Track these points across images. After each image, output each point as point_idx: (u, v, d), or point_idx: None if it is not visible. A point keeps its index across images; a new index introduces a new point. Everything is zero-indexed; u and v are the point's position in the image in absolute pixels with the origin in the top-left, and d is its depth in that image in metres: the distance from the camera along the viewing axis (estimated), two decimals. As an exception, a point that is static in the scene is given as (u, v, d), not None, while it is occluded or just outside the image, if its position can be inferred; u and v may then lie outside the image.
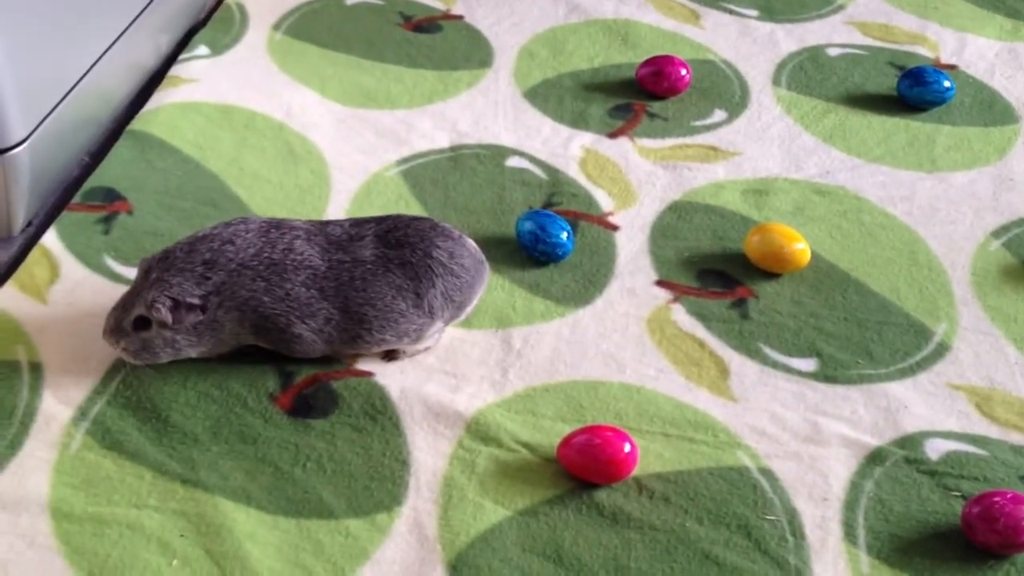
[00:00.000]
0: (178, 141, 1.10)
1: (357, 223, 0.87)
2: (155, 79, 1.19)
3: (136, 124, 1.11)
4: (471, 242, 0.90)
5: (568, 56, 1.27)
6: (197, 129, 1.11)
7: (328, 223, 0.87)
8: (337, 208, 1.04)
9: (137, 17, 1.12)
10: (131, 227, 1.00)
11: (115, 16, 1.08)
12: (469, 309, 0.90)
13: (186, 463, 0.80)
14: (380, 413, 0.84)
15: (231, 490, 0.78)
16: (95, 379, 0.85)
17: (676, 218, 1.05)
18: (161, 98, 1.15)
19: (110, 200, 1.02)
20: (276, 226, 0.85)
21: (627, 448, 0.80)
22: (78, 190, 1.03)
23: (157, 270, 0.82)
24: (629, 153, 1.13)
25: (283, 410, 0.84)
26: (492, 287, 0.96)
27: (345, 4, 1.33)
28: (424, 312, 0.85)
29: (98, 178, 1.04)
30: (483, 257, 0.90)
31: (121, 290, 0.93)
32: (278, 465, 0.80)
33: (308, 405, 0.84)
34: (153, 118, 1.12)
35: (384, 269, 0.84)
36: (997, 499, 0.76)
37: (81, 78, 1.01)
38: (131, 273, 0.95)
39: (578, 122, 1.17)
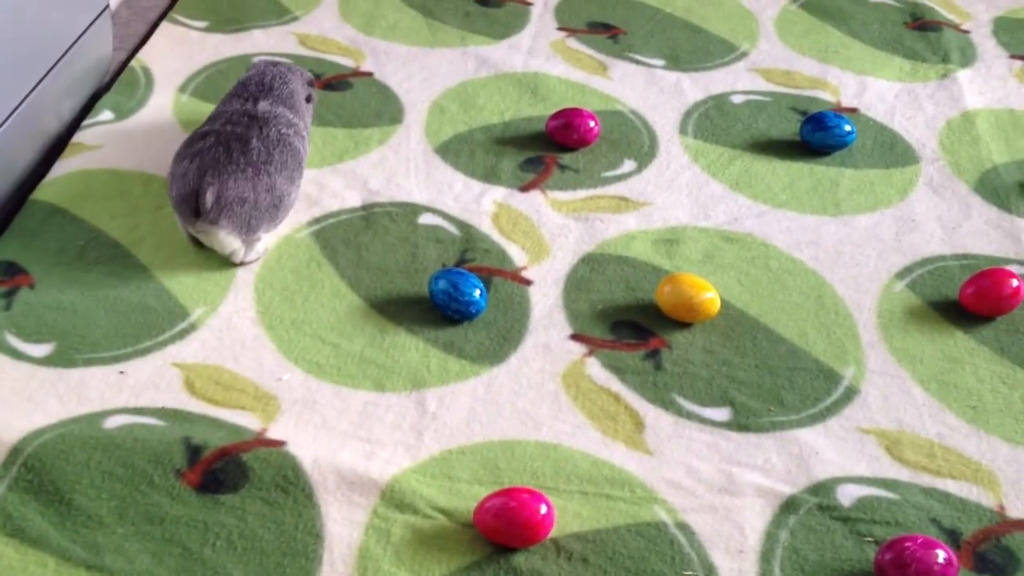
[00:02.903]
0: (81, 210, 1.07)
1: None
2: (58, 145, 1.17)
3: (38, 194, 1.09)
4: None
5: (479, 110, 1.27)
6: (100, 196, 1.09)
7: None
8: (248, 272, 1.02)
9: (38, 83, 1.10)
10: (33, 301, 0.97)
11: (15, 83, 1.06)
12: None
13: (90, 548, 0.77)
14: (292, 485, 0.83)
15: (137, 575, 0.76)
16: (-6, 463, 0.82)
17: (589, 270, 1.06)
18: (64, 166, 1.13)
19: (11, 274, 1.00)
20: None
21: (543, 510, 0.79)
22: (-24, 265, 1.01)
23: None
24: (541, 206, 1.13)
25: (191, 486, 0.82)
26: (406, 347, 0.96)
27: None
28: None
29: (-2, 251, 1.02)
30: None
31: (25, 368, 0.90)
32: (187, 545, 0.78)
33: (217, 480, 0.82)
34: (55, 187, 1.10)
35: None
36: (908, 544, 0.77)
37: (-23, 150, 0.99)
38: (34, 350, 0.92)
39: (490, 176, 1.17)
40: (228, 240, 1.01)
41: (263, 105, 1.08)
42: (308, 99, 1.15)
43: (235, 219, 1.00)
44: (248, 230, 1.01)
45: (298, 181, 1.07)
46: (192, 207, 1.00)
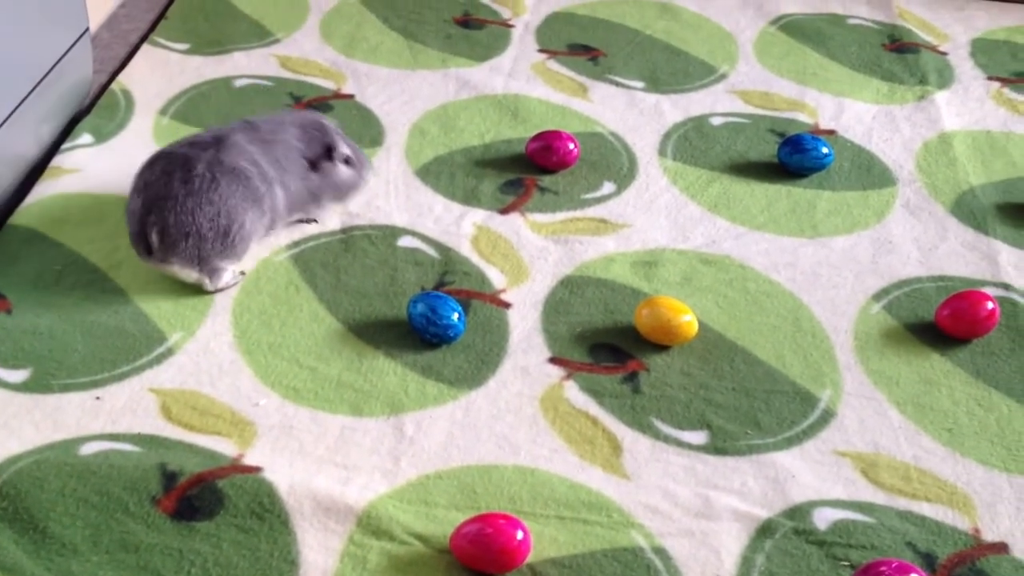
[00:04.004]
0: (59, 234, 1.07)
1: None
2: (37, 169, 1.17)
3: (16, 218, 1.09)
4: None
5: (459, 132, 1.28)
6: (79, 221, 1.09)
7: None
8: (226, 297, 1.02)
9: (18, 107, 1.10)
10: (10, 327, 0.97)
11: (-7, 107, 1.06)
12: None
13: (64, 576, 0.77)
14: (268, 511, 0.82)
15: (111, 603, 0.76)
16: (-32, 491, 0.82)
17: (568, 293, 1.06)
18: (42, 190, 1.13)
19: (-13, 299, 0.99)
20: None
21: (520, 536, 0.79)
22: (-47, 289, 1.00)
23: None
24: (521, 228, 1.14)
25: (166, 514, 0.82)
26: (384, 371, 0.96)
27: (234, 86, 1.33)
28: None
29: (-25, 276, 1.02)
30: None
31: (1, 394, 0.90)
32: (161, 574, 0.78)
33: (192, 507, 0.82)
34: (33, 211, 1.09)
35: None
36: (883, 569, 0.78)
37: (-46, 175, 0.99)
38: (10, 376, 0.92)
39: (470, 199, 1.17)
40: (185, 273, 1.01)
41: (239, 137, 1.04)
42: (314, 165, 1.07)
43: (183, 254, 0.99)
44: (200, 262, 1.00)
45: (254, 210, 1.02)
46: (143, 246, 1.00)
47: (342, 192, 1.11)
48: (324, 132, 1.09)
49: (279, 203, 1.05)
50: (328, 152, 1.08)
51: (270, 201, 1.04)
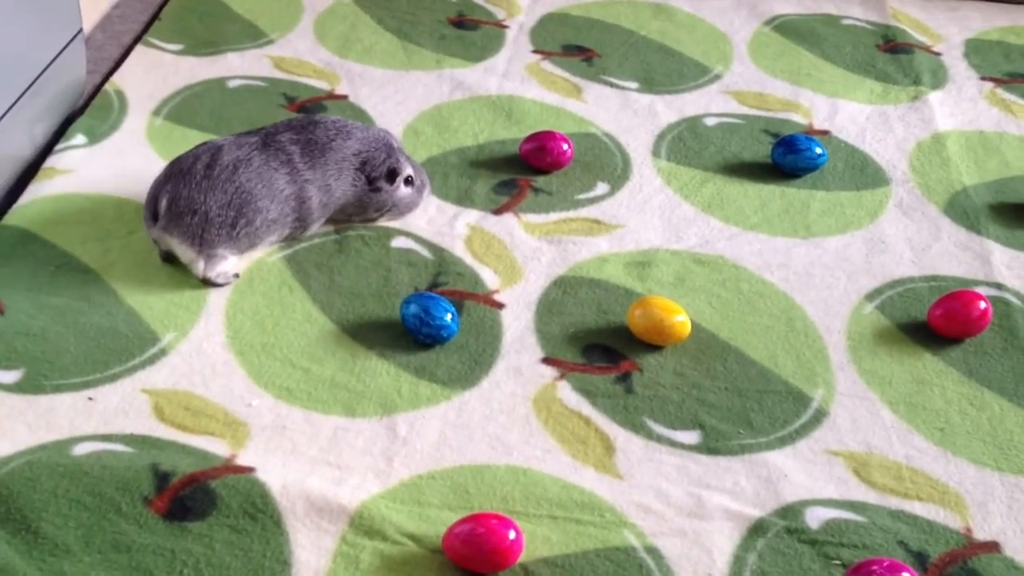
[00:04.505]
0: (52, 235, 1.07)
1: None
2: (31, 170, 1.17)
3: (9, 219, 1.09)
4: None
5: (453, 133, 1.28)
6: (72, 221, 1.09)
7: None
8: (219, 297, 1.02)
9: (11, 107, 1.10)
10: (3, 327, 0.97)
11: (-14, 108, 1.06)
12: None
13: (56, 577, 0.77)
14: (261, 512, 0.82)
15: (103, 604, 0.76)
16: (-40, 492, 0.82)
17: (561, 293, 1.06)
18: (36, 190, 1.13)
19: (-20, 300, 0.99)
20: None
21: (512, 535, 0.79)
22: (-54, 290, 1.00)
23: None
24: (514, 229, 1.14)
25: (158, 514, 0.81)
26: (377, 372, 0.96)
27: (228, 87, 1.33)
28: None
29: (-33, 277, 1.02)
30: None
31: (-9, 394, 0.90)
32: (153, 574, 0.77)
33: (185, 507, 0.82)
34: (27, 212, 1.09)
35: None
36: (875, 568, 0.78)
37: (-53, 176, 0.99)
38: (3, 377, 0.92)
39: (464, 199, 1.17)
40: (182, 250, 1.02)
41: (285, 136, 1.06)
42: (372, 182, 1.08)
43: (185, 229, 1.01)
44: (202, 243, 1.01)
45: (273, 208, 1.04)
46: (151, 211, 1.03)
47: (399, 210, 1.12)
48: (390, 153, 1.10)
49: (312, 204, 1.06)
50: (392, 175, 1.09)
51: (296, 202, 1.05)
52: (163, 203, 1.02)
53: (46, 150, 1.20)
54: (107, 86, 1.31)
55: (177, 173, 1.03)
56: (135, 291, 1.02)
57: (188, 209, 1.01)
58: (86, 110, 1.26)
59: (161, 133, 1.23)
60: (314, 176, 1.06)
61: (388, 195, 1.10)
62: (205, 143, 1.06)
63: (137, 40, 1.42)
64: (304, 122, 1.09)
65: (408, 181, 1.11)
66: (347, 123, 1.10)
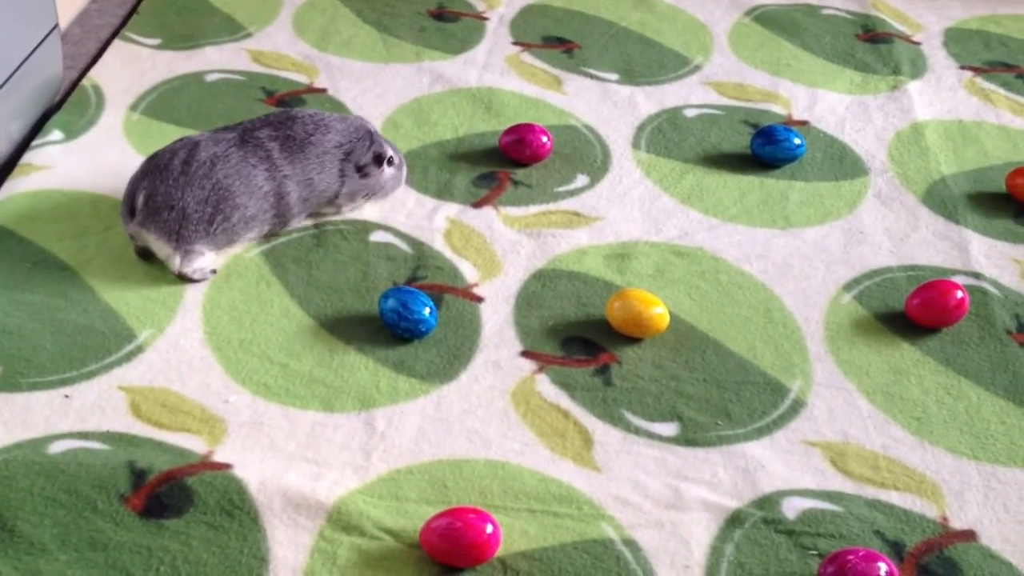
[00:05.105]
0: (29, 231, 1.07)
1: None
2: (7, 166, 1.16)
3: (-15, 215, 1.08)
4: None
5: (432, 126, 1.28)
6: (49, 218, 1.09)
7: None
8: (196, 292, 1.02)
9: (-14, 104, 1.10)
10: (-22, 325, 0.96)
11: (-40, 106, 1.05)
12: None
13: (33, 575, 0.77)
14: (238, 508, 0.82)
15: (79, 602, 0.75)
16: (-65, 491, 0.82)
17: (540, 286, 1.06)
18: (12, 187, 1.12)
19: (-45, 297, 0.99)
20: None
21: (489, 529, 0.79)
22: (-79, 288, 1.00)
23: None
24: (494, 222, 1.13)
25: (135, 511, 0.81)
26: (356, 367, 0.96)
27: (205, 81, 1.32)
28: None
29: (-57, 275, 1.01)
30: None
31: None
32: (130, 571, 0.77)
33: (162, 504, 0.82)
34: (3, 208, 1.09)
35: None
36: (851, 557, 0.78)
37: (-80, 173, 0.98)
38: (-23, 374, 0.92)
39: (443, 193, 1.17)
40: (159, 246, 1.02)
41: (263, 132, 1.06)
42: (361, 170, 1.10)
43: (162, 225, 1.01)
44: (179, 239, 1.01)
45: (252, 205, 1.03)
46: (129, 207, 1.03)
47: (386, 191, 1.14)
48: (372, 139, 1.11)
49: (291, 200, 1.06)
50: (379, 160, 1.10)
51: (275, 198, 1.05)
52: (140, 199, 1.01)
53: (23, 146, 1.19)
54: (84, 81, 1.30)
55: (154, 169, 1.03)
56: (112, 288, 1.01)
57: (165, 205, 1.01)
58: (63, 106, 1.26)
59: (138, 128, 1.23)
60: (294, 172, 1.06)
61: (376, 179, 1.11)
62: (182, 139, 1.06)
63: (115, 34, 1.41)
64: (282, 117, 1.09)
65: (390, 161, 1.12)
66: (324, 116, 1.10)
